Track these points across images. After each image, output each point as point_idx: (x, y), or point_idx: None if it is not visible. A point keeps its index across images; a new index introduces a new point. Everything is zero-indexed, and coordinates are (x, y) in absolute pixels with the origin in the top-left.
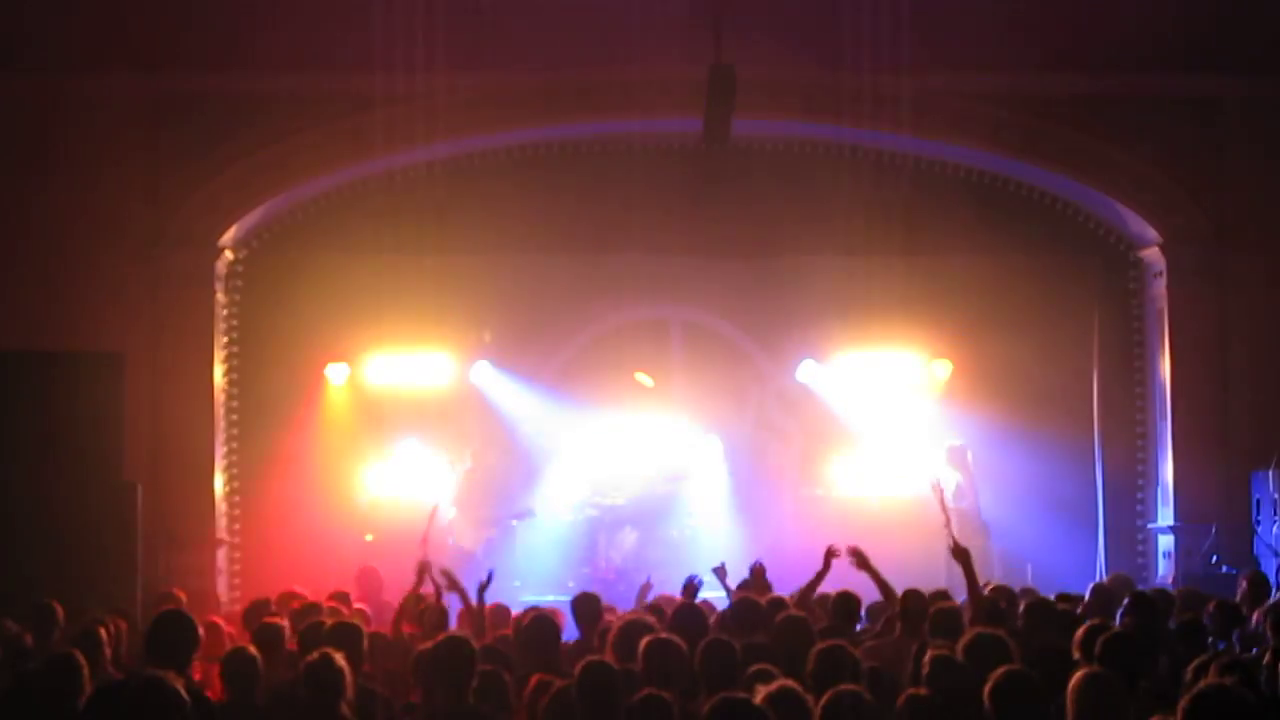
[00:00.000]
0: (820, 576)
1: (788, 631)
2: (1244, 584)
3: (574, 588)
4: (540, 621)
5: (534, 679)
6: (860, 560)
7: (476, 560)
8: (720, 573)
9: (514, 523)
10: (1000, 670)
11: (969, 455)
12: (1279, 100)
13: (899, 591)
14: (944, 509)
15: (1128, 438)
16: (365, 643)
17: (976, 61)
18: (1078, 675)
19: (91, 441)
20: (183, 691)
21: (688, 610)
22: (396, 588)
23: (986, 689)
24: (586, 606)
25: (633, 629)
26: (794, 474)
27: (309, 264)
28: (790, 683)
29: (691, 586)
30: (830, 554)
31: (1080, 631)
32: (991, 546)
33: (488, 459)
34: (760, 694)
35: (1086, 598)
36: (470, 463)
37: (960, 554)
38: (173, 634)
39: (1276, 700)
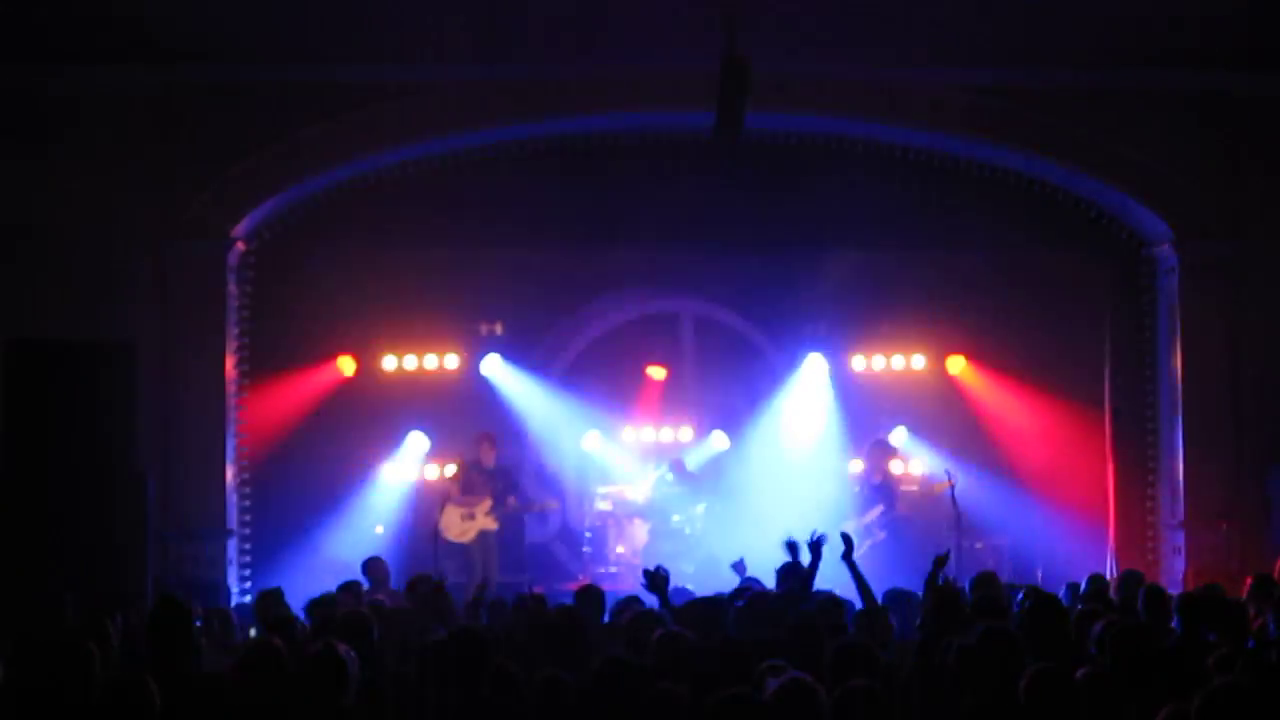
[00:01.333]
0: (813, 567)
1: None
2: (1249, 582)
3: (584, 580)
4: (562, 614)
5: (545, 673)
6: (848, 550)
7: (469, 553)
8: (740, 568)
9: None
10: (1035, 668)
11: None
12: None
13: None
14: (954, 502)
15: (1139, 434)
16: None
17: (989, 56)
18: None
19: (102, 431)
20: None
21: (700, 604)
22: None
23: (1022, 685)
24: (589, 599)
25: (644, 621)
26: (804, 468)
27: (320, 255)
28: (801, 675)
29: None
30: (817, 544)
31: (1094, 628)
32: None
33: (493, 451)
34: (771, 687)
35: (1083, 589)
36: (474, 454)
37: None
38: (171, 624)
39: None
